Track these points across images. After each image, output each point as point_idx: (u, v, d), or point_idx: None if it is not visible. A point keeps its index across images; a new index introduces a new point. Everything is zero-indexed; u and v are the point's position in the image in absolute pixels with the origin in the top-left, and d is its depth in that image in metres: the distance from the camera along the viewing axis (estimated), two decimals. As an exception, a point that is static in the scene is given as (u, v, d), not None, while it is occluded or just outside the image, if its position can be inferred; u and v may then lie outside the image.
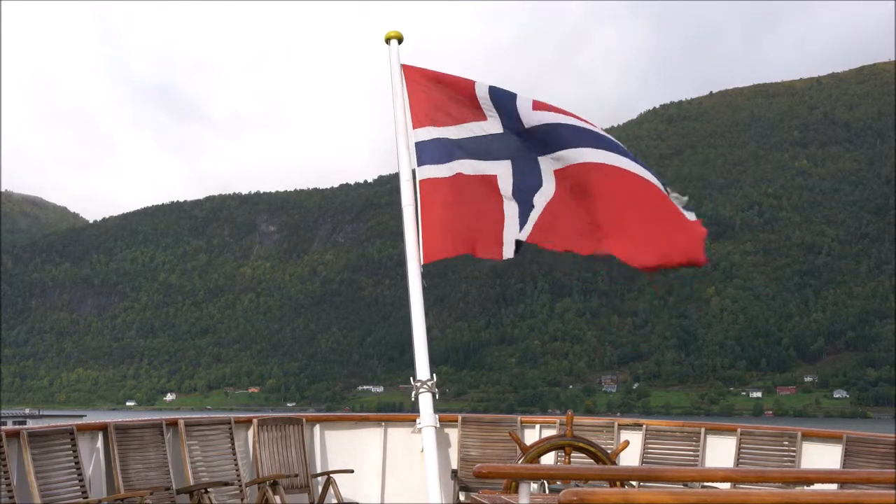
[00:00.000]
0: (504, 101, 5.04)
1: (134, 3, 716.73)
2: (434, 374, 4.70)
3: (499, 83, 5.12)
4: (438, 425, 4.91)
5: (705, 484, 5.86)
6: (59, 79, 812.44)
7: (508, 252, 4.91)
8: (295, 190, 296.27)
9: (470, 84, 5.13)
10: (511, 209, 4.94)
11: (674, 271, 4.92)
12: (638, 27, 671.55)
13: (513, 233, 4.91)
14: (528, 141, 5.00)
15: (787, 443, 7.69)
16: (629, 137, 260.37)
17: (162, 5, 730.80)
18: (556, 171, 4.91)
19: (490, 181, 4.99)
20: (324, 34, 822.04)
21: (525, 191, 4.93)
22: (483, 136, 5.07)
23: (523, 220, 4.89)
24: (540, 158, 4.96)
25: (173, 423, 7.56)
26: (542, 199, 4.89)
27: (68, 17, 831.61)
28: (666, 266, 4.75)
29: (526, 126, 4.98)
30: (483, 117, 5.09)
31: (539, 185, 4.92)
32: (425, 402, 4.66)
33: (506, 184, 4.97)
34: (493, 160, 5.02)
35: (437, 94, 5.18)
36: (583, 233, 4.80)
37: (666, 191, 4.86)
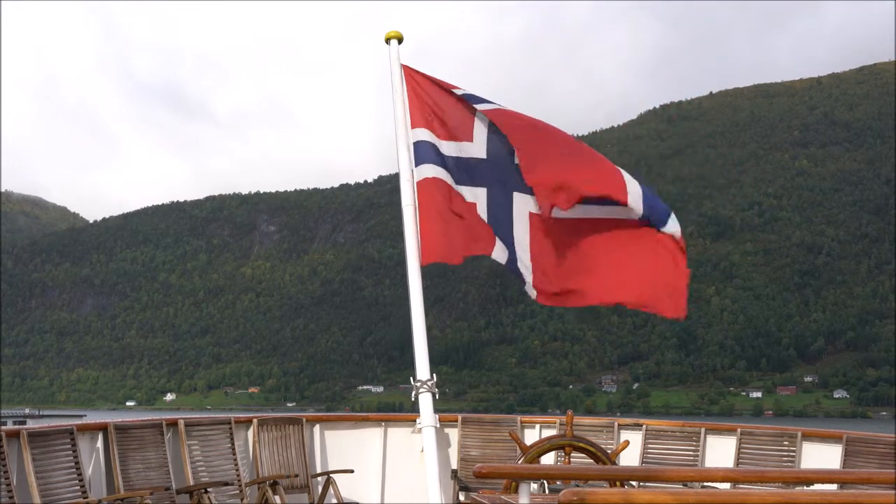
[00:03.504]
0: (499, 135, 5.02)
1: (136, 1, 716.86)
2: (434, 374, 4.69)
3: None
4: (438, 425, 4.91)
5: (705, 484, 5.87)
6: (59, 77, 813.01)
7: (500, 255, 4.89)
8: (295, 190, 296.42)
9: (465, 102, 5.13)
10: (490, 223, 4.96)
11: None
12: (639, 27, 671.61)
13: (501, 245, 4.90)
14: (507, 174, 4.95)
15: (787, 443, 7.69)
16: (629, 137, 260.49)
17: (163, 4, 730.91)
18: (531, 215, 4.87)
19: (470, 207, 4.98)
20: (325, 34, 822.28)
21: (500, 222, 4.91)
22: (465, 158, 5.04)
23: (516, 262, 4.85)
24: (515, 195, 4.91)
25: (173, 423, 7.56)
26: (522, 242, 4.85)
27: (70, 14, 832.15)
28: (641, 308, 4.86)
29: (517, 162, 4.91)
30: (469, 138, 5.06)
31: (510, 222, 4.89)
32: (425, 402, 4.65)
33: (482, 212, 4.97)
34: (472, 186, 4.99)
35: (434, 99, 5.17)
36: (575, 284, 4.82)
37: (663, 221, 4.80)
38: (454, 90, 5.15)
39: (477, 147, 5.04)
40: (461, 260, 4.90)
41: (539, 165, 4.74)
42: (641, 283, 4.79)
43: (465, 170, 5.01)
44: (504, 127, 4.90)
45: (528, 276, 4.83)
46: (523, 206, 4.88)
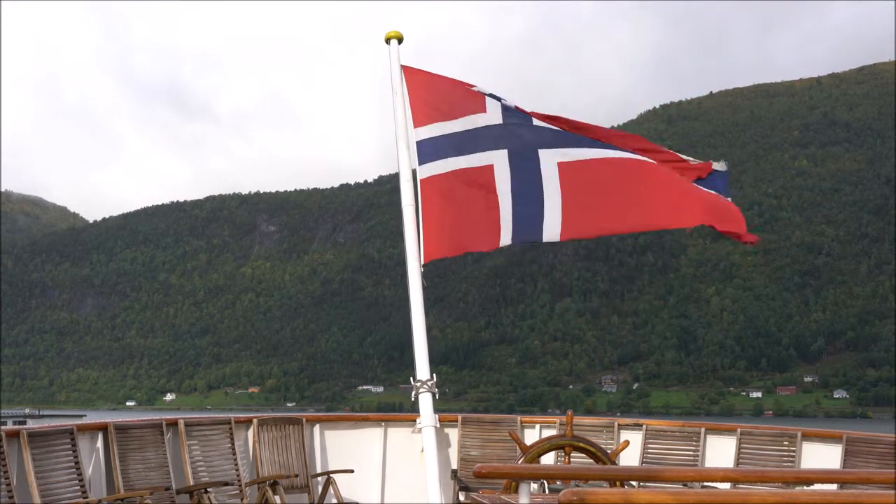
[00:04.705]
0: (507, 107, 5.12)
1: (136, 0, 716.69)
2: (434, 374, 4.70)
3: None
4: (438, 425, 4.91)
5: (705, 484, 5.87)
6: (60, 77, 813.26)
7: (505, 239, 4.92)
8: (295, 190, 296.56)
9: (471, 87, 5.19)
10: (506, 198, 4.94)
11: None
12: (639, 27, 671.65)
13: (508, 221, 4.91)
14: (529, 135, 5.03)
15: (787, 443, 7.69)
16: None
17: (164, 4, 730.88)
18: (560, 164, 4.94)
19: (486, 172, 5.00)
20: (325, 34, 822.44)
21: (525, 182, 4.95)
22: (481, 127, 5.08)
23: (534, 217, 4.90)
24: (541, 151, 4.99)
25: (173, 423, 7.56)
26: (552, 192, 4.91)
27: (70, 14, 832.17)
28: (713, 227, 4.93)
29: (535, 124, 5.06)
30: (483, 109, 5.12)
31: (538, 176, 4.94)
32: (425, 402, 4.66)
33: (502, 173, 4.98)
34: (490, 150, 5.02)
35: (437, 90, 5.19)
36: (608, 214, 4.91)
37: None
38: (467, 85, 5.20)
39: (491, 115, 5.11)
40: (469, 248, 4.93)
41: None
42: (691, 203, 4.86)
43: (482, 138, 5.07)
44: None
45: (554, 225, 4.88)
46: (550, 158, 4.96)
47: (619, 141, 5.02)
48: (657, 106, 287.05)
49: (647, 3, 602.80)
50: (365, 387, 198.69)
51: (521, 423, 8.93)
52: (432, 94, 5.18)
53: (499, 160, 5.00)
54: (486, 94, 5.14)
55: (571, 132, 5.02)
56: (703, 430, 8.10)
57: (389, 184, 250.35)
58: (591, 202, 4.88)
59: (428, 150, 5.03)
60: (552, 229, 4.86)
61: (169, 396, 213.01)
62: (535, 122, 5.04)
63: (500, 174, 4.97)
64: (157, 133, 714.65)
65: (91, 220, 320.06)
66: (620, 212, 4.87)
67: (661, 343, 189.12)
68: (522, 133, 5.04)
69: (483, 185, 4.97)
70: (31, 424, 7.44)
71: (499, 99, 5.13)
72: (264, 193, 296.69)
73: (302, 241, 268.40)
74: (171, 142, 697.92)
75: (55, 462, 6.40)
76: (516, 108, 5.10)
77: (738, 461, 7.76)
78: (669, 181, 4.86)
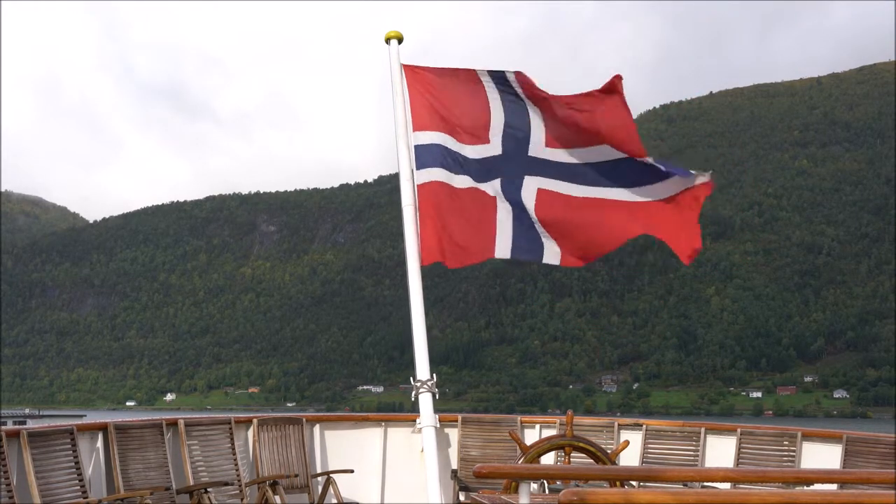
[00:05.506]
0: (517, 122, 5.08)
1: (137, 0, 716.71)
2: (434, 374, 4.71)
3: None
4: (438, 425, 4.92)
5: (705, 484, 5.87)
6: (60, 77, 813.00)
7: (503, 252, 5.00)
8: (295, 190, 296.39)
9: (482, 97, 5.13)
10: (505, 213, 5.04)
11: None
12: (639, 27, 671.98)
13: (506, 236, 5.00)
14: (522, 165, 5.08)
15: (787, 443, 7.69)
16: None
17: (165, 3, 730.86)
18: (539, 190, 5.00)
19: (482, 192, 5.09)
20: (326, 34, 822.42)
21: (517, 204, 5.05)
22: (485, 158, 5.12)
23: (535, 239, 4.99)
24: (526, 177, 5.04)
25: (173, 423, 7.56)
26: (534, 215, 5.01)
27: (70, 14, 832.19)
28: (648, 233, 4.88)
29: (530, 154, 5.06)
30: (486, 140, 5.13)
31: (520, 197, 5.02)
32: (425, 402, 4.67)
33: (503, 202, 5.07)
34: (491, 181, 5.10)
35: (441, 98, 5.17)
36: (575, 247, 5.00)
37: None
38: (469, 71, 5.17)
39: (493, 146, 5.12)
40: (458, 265, 4.95)
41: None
42: (652, 218, 4.84)
43: (487, 169, 5.12)
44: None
45: (551, 246, 4.98)
46: (532, 184, 5.02)
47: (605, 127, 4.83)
48: (657, 106, 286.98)
49: (648, 3, 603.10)
50: (365, 387, 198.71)
51: (521, 423, 8.94)
52: (435, 99, 5.17)
53: (497, 190, 5.09)
54: (490, 111, 5.10)
55: (565, 163, 4.99)
56: (703, 430, 8.11)
57: (389, 184, 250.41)
58: (565, 232, 4.98)
59: (426, 156, 5.04)
60: (552, 253, 4.98)
61: (169, 396, 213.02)
62: (531, 153, 5.04)
63: (501, 203, 5.07)
64: (158, 133, 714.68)
65: (91, 220, 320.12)
66: (596, 240, 4.97)
67: (661, 343, 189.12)
68: (514, 161, 5.07)
69: (480, 199, 5.05)
70: (31, 424, 7.44)
71: (503, 75, 5.08)
72: (264, 193, 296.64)
73: (302, 241, 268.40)
74: (171, 142, 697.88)
75: (55, 462, 6.40)
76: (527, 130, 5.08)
77: (738, 461, 7.76)
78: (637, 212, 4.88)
